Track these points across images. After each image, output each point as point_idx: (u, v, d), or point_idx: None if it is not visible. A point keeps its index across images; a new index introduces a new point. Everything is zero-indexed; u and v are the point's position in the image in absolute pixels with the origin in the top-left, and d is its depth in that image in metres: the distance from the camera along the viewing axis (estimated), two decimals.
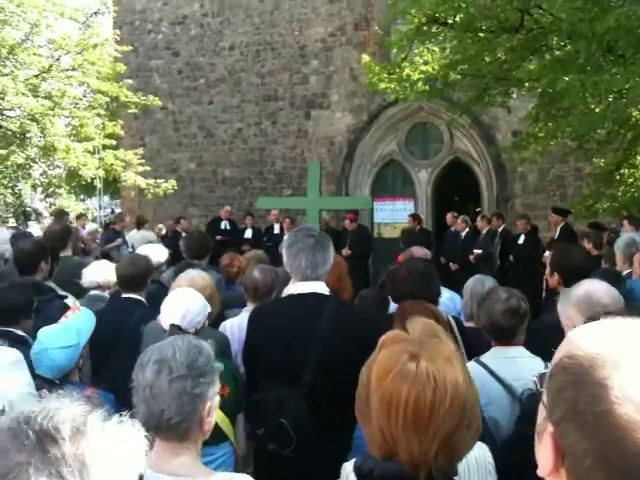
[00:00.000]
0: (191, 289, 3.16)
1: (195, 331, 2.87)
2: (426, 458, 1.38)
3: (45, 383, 2.69)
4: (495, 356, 2.88)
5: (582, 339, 0.87)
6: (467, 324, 3.76)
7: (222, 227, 12.42)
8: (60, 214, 10.73)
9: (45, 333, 2.83)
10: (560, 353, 0.90)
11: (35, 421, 0.91)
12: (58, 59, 13.08)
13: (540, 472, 0.89)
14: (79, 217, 13.70)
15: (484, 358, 2.88)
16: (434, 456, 1.38)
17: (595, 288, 2.46)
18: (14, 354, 2.75)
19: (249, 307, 3.87)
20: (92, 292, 4.43)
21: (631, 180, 9.52)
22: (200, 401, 1.81)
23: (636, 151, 9.33)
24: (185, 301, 2.98)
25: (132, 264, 4.12)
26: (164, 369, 1.81)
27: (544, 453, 0.88)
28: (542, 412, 0.91)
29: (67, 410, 0.95)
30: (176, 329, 2.83)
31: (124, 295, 4.05)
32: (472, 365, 2.84)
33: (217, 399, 1.90)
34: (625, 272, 4.38)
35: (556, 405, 0.85)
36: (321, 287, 2.81)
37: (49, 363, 2.76)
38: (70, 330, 2.86)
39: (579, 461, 0.81)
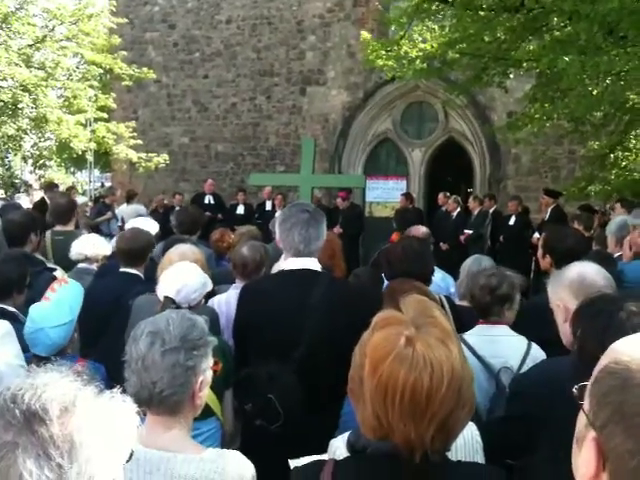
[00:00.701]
0: (193, 264, 3.14)
1: (189, 307, 2.85)
2: (422, 441, 1.38)
3: (40, 361, 2.67)
4: (477, 334, 2.96)
5: (628, 346, 0.90)
6: (460, 302, 3.79)
7: (206, 202, 12.29)
8: (50, 186, 10.64)
9: (38, 312, 2.78)
10: (605, 360, 0.92)
11: (22, 400, 0.89)
12: (52, 29, 12.92)
13: (581, 478, 0.90)
14: (69, 190, 13.60)
15: (466, 335, 2.95)
16: (430, 439, 1.38)
17: (587, 270, 2.45)
18: (3, 326, 2.72)
19: (237, 284, 3.85)
20: (80, 265, 4.39)
21: (624, 163, 9.53)
22: (193, 374, 1.80)
23: (631, 135, 9.32)
24: (183, 275, 2.96)
25: (134, 238, 4.08)
26: (157, 341, 1.80)
27: (586, 458, 0.89)
28: (582, 420, 0.93)
29: (55, 388, 0.93)
30: (170, 302, 2.82)
31: (122, 269, 4.03)
32: None
33: (210, 373, 1.90)
34: (616, 254, 4.39)
35: (601, 409, 0.87)
36: (313, 263, 2.80)
37: (47, 342, 2.74)
38: (63, 307, 2.83)
39: (624, 463, 0.83)
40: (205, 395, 1.90)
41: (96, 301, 3.48)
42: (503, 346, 2.88)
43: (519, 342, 2.89)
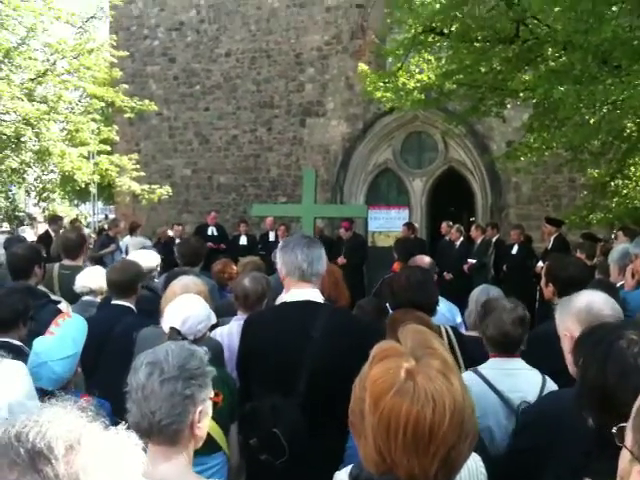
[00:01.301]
0: (197, 296, 3.16)
1: (194, 338, 2.86)
2: (426, 476, 1.36)
3: (44, 394, 2.66)
4: (493, 367, 2.87)
5: None
6: (470, 333, 3.77)
7: (209, 233, 12.33)
8: (55, 219, 10.70)
9: (42, 345, 2.78)
10: None
11: (27, 438, 0.88)
12: (54, 63, 13.07)
13: None
14: (73, 222, 13.66)
15: (482, 369, 2.87)
16: (434, 474, 1.36)
17: (595, 299, 2.42)
18: (19, 366, 2.70)
19: (239, 315, 3.85)
20: (85, 298, 4.40)
21: (625, 191, 9.56)
22: (191, 403, 1.82)
23: (630, 162, 9.38)
24: (189, 307, 2.98)
25: (122, 270, 4.10)
26: (156, 370, 1.83)
27: None
28: (625, 457, 0.92)
29: (60, 425, 0.91)
30: (175, 333, 2.84)
31: (114, 302, 4.04)
32: (469, 375, 2.83)
33: (209, 404, 1.91)
34: (619, 283, 4.38)
35: None
36: (315, 294, 2.80)
37: (51, 376, 2.73)
38: (66, 340, 2.83)
39: None
40: (206, 426, 1.90)
41: (87, 334, 3.48)
42: (520, 380, 2.80)
43: (535, 376, 2.83)
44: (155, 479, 1.72)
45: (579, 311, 2.36)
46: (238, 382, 2.96)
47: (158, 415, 1.78)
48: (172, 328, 2.87)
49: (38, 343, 2.81)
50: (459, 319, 4.60)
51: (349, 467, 1.64)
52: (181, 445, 1.82)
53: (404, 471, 1.37)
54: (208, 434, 2.00)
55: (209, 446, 2.00)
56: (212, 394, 1.93)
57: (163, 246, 10.42)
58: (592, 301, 2.40)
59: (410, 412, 1.34)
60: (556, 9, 6.44)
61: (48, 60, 13.12)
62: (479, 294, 3.91)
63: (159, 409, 1.79)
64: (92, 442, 0.91)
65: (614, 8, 6.42)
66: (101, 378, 3.38)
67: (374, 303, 4.16)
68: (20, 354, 3.06)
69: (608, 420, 1.38)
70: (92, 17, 13.76)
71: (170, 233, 12.41)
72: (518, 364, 2.88)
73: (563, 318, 2.42)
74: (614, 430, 0.97)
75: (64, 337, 2.83)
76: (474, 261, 10.48)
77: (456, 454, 1.38)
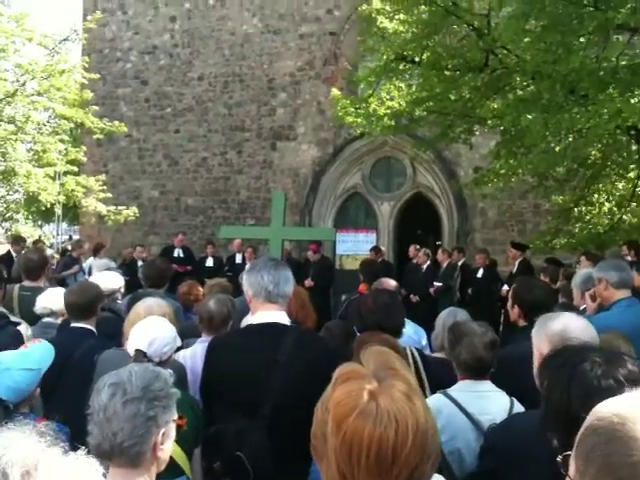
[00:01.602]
0: (163, 318, 3.11)
1: (159, 361, 2.82)
2: None
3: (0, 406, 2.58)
4: (463, 389, 2.88)
5: (609, 406, 0.91)
6: (437, 354, 3.77)
7: (175, 255, 12.23)
8: (17, 240, 10.49)
9: (6, 355, 2.71)
10: (587, 422, 0.92)
11: None
12: (24, 84, 12.94)
13: None
14: (36, 243, 13.40)
15: (452, 391, 2.87)
16: None
17: (572, 325, 2.40)
18: None
19: (204, 338, 3.80)
20: (45, 319, 4.29)
21: (588, 217, 9.75)
22: (154, 424, 1.80)
23: (593, 189, 9.58)
24: (155, 329, 2.93)
25: (80, 292, 4.01)
26: (119, 391, 1.82)
27: None
28: None
29: (17, 450, 0.87)
30: (141, 355, 2.79)
31: (73, 324, 3.94)
32: (439, 398, 2.82)
33: (173, 427, 1.88)
34: (582, 307, 4.44)
35: (588, 466, 0.86)
36: (282, 317, 2.77)
37: (11, 384, 2.64)
38: (32, 354, 2.76)
39: None
40: (169, 449, 1.87)
41: None
42: (490, 402, 2.81)
43: (503, 398, 2.84)
44: None
45: (553, 334, 2.36)
46: (201, 405, 2.90)
47: (120, 437, 1.76)
48: (138, 350, 2.82)
49: (2, 354, 2.73)
50: (424, 341, 4.63)
51: None
52: (143, 467, 1.80)
53: None
54: (171, 458, 1.97)
55: (172, 470, 1.96)
56: (176, 417, 1.91)
57: (127, 267, 10.28)
58: (568, 326, 2.39)
59: (373, 434, 1.32)
60: (525, 40, 6.60)
61: (18, 80, 12.98)
62: (446, 317, 3.94)
63: (121, 430, 1.76)
64: (50, 468, 0.88)
65: (582, 39, 6.60)
66: (60, 402, 3.28)
67: (342, 326, 4.15)
68: None
69: (573, 441, 1.38)
70: (65, 39, 13.65)
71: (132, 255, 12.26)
72: (487, 386, 2.89)
73: (538, 339, 2.42)
74: (559, 459, 0.97)
75: (31, 352, 2.77)
76: (440, 284, 10.57)
77: (419, 475, 1.36)
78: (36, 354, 2.79)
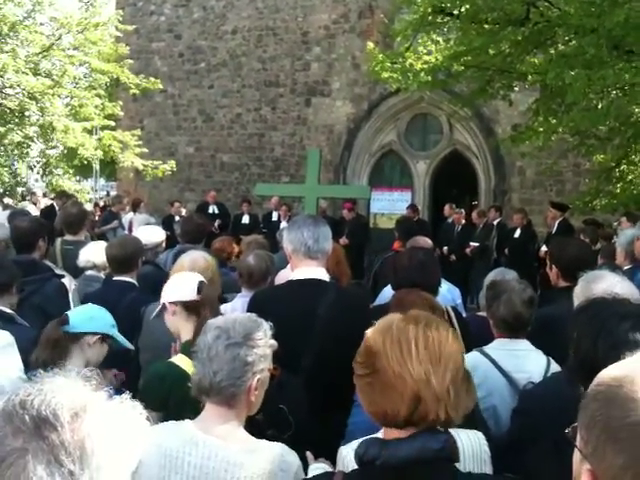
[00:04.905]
0: (190, 273, 3.15)
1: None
2: (443, 391, 1.47)
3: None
4: (499, 347, 2.88)
5: (607, 370, 0.91)
6: (481, 313, 3.78)
7: (210, 211, 12.32)
8: (61, 195, 10.70)
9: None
10: (588, 391, 0.93)
11: (32, 405, 0.87)
12: (59, 38, 12.99)
13: None
14: (69, 198, 13.60)
15: (488, 349, 2.89)
16: (447, 391, 1.48)
17: (617, 287, 2.36)
18: (4, 337, 2.69)
19: (244, 293, 3.86)
20: (88, 272, 4.40)
21: (630, 177, 9.53)
22: (250, 369, 1.93)
23: (636, 148, 9.33)
24: (185, 282, 2.96)
25: (121, 245, 4.08)
26: (223, 335, 1.95)
27: None
28: (576, 457, 0.93)
29: (65, 393, 0.90)
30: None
31: (116, 278, 4.01)
32: (476, 355, 2.84)
33: (267, 376, 2.01)
34: (625, 267, 4.38)
35: (590, 433, 0.87)
36: (321, 273, 2.81)
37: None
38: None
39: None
40: (261, 396, 2.01)
41: None
42: (526, 361, 2.81)
43: (540, 357, 2.84)
44: (214, 436, 1.87)
45: (595, 297, 2.34)
46: None
47: (219, 376, 1.90)
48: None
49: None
50: (459, 300, 4.62)
51: (355, 443, 1.65)
52: (236, 408, 1.94)
53: (426, 390, 1.47)
54: None
55: None
56: (271, 366, 2.03)
57: (165, 223, 10.42)
58: (612, 289, 2.35)
59: (418, 332, 1.52)
60: None
61: (54, 34, 13.03)
62: (495, 277, 3.91)
63: (220, 370, 1.90)
64: (97, 410, 0.91)
65: None
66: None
67: (358, 286, 4.21)
68: (12, 323, 3.06)
69: None
70: None
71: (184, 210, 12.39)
72: (524, 345, 2.89)
73: (579, 299, 2.40)
74: (567, 430, 0.98)
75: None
76: (476, 244, 10.49)
77: (459, 389, 1.51)
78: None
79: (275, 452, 1.91)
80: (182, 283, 2.88)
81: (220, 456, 1.85)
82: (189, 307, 2.78)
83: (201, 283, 2.86)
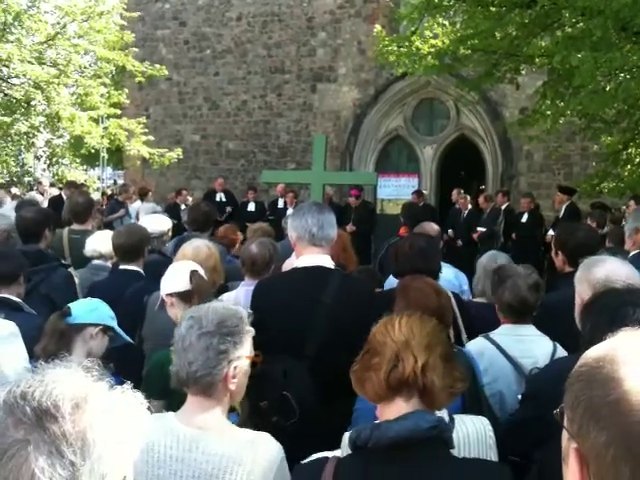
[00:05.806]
0: (189, 262, 3.16)
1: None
2: (420, 352, 1.62)
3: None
4: (505, 333, 2.88)
5: (590, 351, 0.93)
6: (478, 299, 3.78)
7: (217, 199, 12.30)
8: (70, 185, 10.72)
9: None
10: (571, 372, 0.95)
11: (33, 397, 0.88)
12: (64, 26, 12.97)
13: None
14: (77, 187, 13.62)
15: (494, 335, 2.89)
16: (425, 351, 1.63)
17: (617, 271, 2.33)
18: (8, 326, 2.70)
19: (247, 281, 3.85)
20: (95, 262, 4.41)
21: (638, 160, 9.44)
22: (225, 358, 1.92)
23: None
24: (179, 273, 3.00)
25: (127, 234, 4.08)
26: (195, 324, 1.95)
27: (572, 470, 0.90)
28: (564, 437, 0.94)
29: (66, 384, 0.91)
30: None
31: (122, 266, 4.02)
32: (481, 341, 2.84)
33: (246, 363, 1.99)
34: (633, 252, 4.32)
35: (575, 413, 0.89)
36: (326, 260, 2.81)
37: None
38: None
39: (602, 458, 0.83)
40: (243, 383, 2.00)
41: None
42: (532, 346, 2.81)
43: (546, 342, 2.83)
44: (194, 427, 1.87)
45: (596, 281, 2.31)
46: None
47: (194, 366, 1.90)
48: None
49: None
50: (465, 286, 4.61)
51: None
52: (215, 398, 1.93)
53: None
54: None
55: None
56: (250, 353, 2.01)
57: (170, 211, 10.42)
58: (612, 273, 2.32)
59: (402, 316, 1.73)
60: None
61: (58, 23, 13.01)
62: (487, 261, 3.92)
63: (195, 360, 1.90)
64: (98, 401, 0.92)
65: None
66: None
67: (370, 272, 4.21)
68: (19, 311, 3.09)
69: None
70: None
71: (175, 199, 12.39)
72: (530, 330, 2.88)
73: (580, 284, 2.38)
74: (555, 411, 0.99)
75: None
76: (484, 229, 10.45)
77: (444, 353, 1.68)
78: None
79: (257, 441, 1.89)
80: (175, 275, 2.92)
81: (201, 447, 1.85)
82: (184, 297, 2.85)
83: (192, 272, 2.89)
